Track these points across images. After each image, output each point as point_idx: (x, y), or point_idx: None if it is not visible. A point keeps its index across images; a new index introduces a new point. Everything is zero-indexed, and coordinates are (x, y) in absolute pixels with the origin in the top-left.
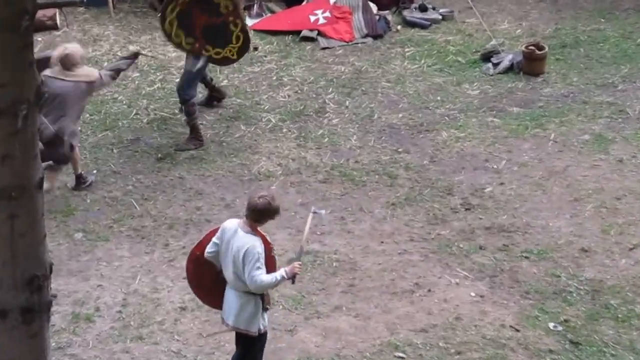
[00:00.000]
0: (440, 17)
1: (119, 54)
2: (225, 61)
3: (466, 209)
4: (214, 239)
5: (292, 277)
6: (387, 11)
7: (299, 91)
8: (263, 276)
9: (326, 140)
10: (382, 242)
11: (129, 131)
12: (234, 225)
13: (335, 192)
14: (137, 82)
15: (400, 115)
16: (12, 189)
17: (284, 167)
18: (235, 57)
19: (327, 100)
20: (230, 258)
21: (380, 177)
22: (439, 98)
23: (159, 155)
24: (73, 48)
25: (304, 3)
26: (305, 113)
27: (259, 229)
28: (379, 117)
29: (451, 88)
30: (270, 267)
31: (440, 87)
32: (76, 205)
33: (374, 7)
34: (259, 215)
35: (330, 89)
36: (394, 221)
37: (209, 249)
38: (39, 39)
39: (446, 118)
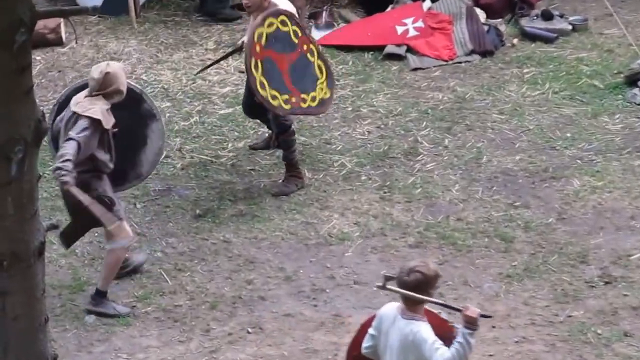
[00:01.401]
0: (570, 27)
1: (144, 77)
2: (324, 104)
3: (606, 283)
4: (370, 331)
5: (480, 317)
6: (499, 20)
7: (383, 126)
8: (450, 350)
9: (419, 191)
10: (494, 327)
11: (156, 180)
12: (392, 312)
13: (431, 261)
14: (167, 114)
15: (518, 157)
16: (3, 257)
17: (362, 226)
18: (328, 94)
19: (419, 138)
20: (395, 353)
21: (491, 240)
22: (568, 135)
23: (197, 211)
24: (116, 67)
25: (388, 9)
26: (390, 155)
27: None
28: (489, 161)
29: (585, 121)
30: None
31: (570, 120)
32: (88, 278)
33: (481, 15)
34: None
35: (424, 123)
36: (510, 299)
37: (365, 343)
38: (38, 57)
39: (578, 161)
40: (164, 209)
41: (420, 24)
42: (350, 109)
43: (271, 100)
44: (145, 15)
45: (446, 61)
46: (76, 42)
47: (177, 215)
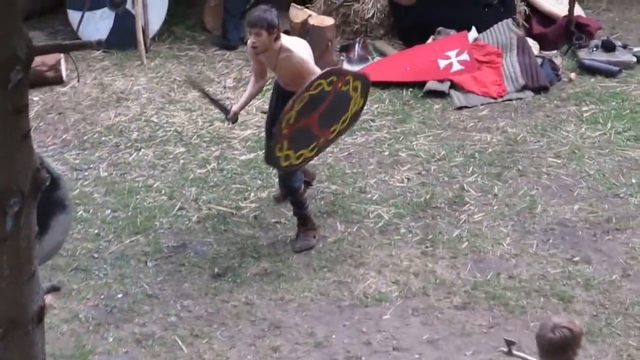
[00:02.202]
0: (634, 59)
1: (154, 119)
2: (354, 119)
3: None
4: None
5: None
6: (554, 52)
7: (424, 172)
8: None
9: (465, 245)
10: None
11: (170, 235)
12: None
13: (479, 324)
14: (181, 161)
15: (576, 206)
16: None
17: (402, 285)
18: (361, 102)
19: (465, 186)
20: None
21: (548, 299)
22: (633, 181)
23: (216, 270)
24: None
25: (429, 41)
26: (433, 205)
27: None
28: (544, 210)
29: None
30: None
31: (635, 164)
32: (93, 346)
33: (534, 46)
34: (561, 353)
35: (471, 169)
36: None
37: None
38: (36, 98)
39: None
40: (179, 268)
41: (465, 56)
42: (387, 153)
43: (295, 161)
44: (155, 49)
45: (495, 98)
46: (78, 81)
47: (194, 275)
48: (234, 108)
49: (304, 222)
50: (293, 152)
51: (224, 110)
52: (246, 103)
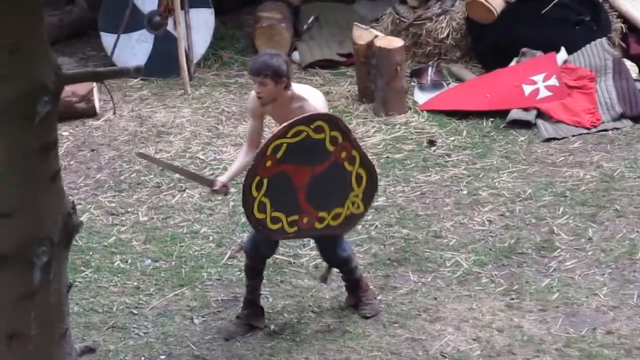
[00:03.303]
0: None
1: (200, 156)
2: (349, 222)
3: None
4: None
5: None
6: None
7: (508, 214)
8: None
9: (556, 296)
10: None
11: (220, 287)
12: None
13: None
14: (231, 203)
15: None
16: None
17: (484, 343)
18: (362, 209)
19: (555, 229)
20: None
21: None
22: None
23: (272, 327)
24: None
25: (512, 63)
26: (518, 251)
27: None
28: None
29: None
30: None
31: None
32: None
33: (632, 69)
34: None
35: (561, 209)
36: None
37: None
38: (66, 133)
39: None
40: (229, 325)
41: (554, 81)
42: (465, 192)
43: (270, 224)
44: (201, 76)
45: (588, 129)
46: (114, 113)
47: (247, 333)
48: (222, 178)
49: (360, 284)
50: (269, 206)
51: (206, 182)
52: (236, 174)
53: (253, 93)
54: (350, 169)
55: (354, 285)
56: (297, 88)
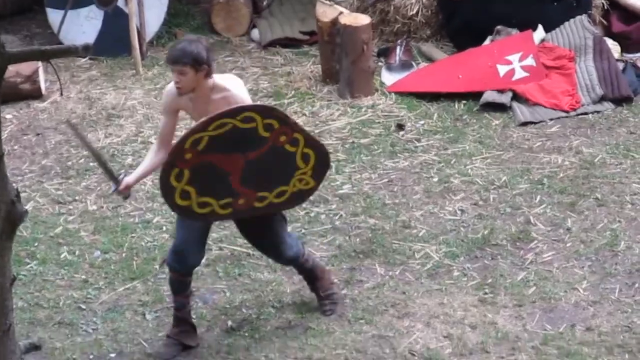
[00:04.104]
0: None
1: (152, 140)
2: (297, 199)
3: None
4: None
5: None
6: (638, 54)
7: (481, 202)
8: None
9: (532, 290)
10: None
11: None
12: None
13: None
14: None
15: None
16: None
17: (456, 340)
18: (312, 184)
19: (532, 219)
20: None
21: (634, 356)
22: None
23: (230, 323)
24: None
25: (486, 42)
26: (492, 242)
27: None
28: (629, 248)
29: None
30: None
31: None
32: None
33: (614, 48)
34: None
35: (538, 198)
36: None
37: None
38: (9, 115)
39: None
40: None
41: (530, 61)
42: (436, 179)
43: (197, 209)
44: (154, 55)
45: (567, 112)
46: (61, 94)
47: (202, 329)
48: (128, 179)
49: (317, 275)
50: (195, 193)
51: (113, 179)
52: (144, 175)
53: (169, 87)
54: (293, 150)
55: (310, 276)
56: (218, 78)
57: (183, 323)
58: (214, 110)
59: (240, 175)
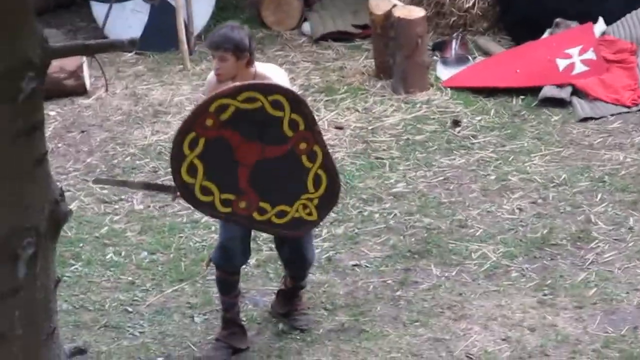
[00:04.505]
0: None
1: None
2: (296, 226)
3: None
4: None
5: None
6: None
7: (540, 201)
8: None
9: (593, 292)
10: None
11: None
12: None
13: None
14: None
15: None
16: None
17: (514, 343)
18: (314, 216)
19: (592, 217)
20: None
21: None
22: None
23: (281, 326)
24: None
25: (545, 35)
26: (552, 242)
27: None
28: None
29: None
30: None
31: None
32: None
33: None
34: None
35: (599, 196)
36: None
37: None
38: (53, 112)
39: None
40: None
41: (591, 55)
42: (493, 177)
43: (198, 193)
44: (202, 50)
45: (629, 107)
46: (106, 90)
47: (252, 332)
48: None
49: (300, 294)
50: (202, 173)
51: (168, 190)
52: None
53: (210, 75)
54: (309, 166)
55: (294, 294)
56: (261, 66)
57: (232, 325)
58: None
59: (250, 171)
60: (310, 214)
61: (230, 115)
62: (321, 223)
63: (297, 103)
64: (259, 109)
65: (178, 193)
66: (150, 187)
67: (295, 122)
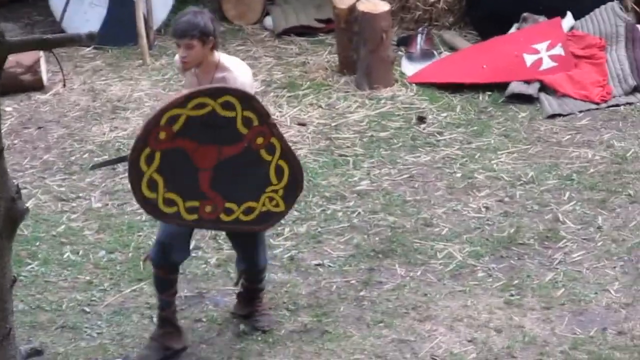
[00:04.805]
0: None
1: None
2: (265, 220)
3: None
4: None
5: None
6: None
7: (507, 199)
8: None
9: (561, 292)
10: None
11: (182, 282)
12: None
13: None
14: None
15: None
16: None
17: (480, 345)
18: (281, 207)
19: (560, 216)
20: None
21: None
22: None
23: (242, 327)
24: None
25: (512, 30)
26: (519, 241)
27: None
28: None
29: None
30: None
31: None
32: None
33: None
34: None
35: (567, 194)
36: None
37: None
38: (9, 108)
39: None
40: (194, 324)
41: (559, 50)
42: (459, 175)
43: (162, 206)
44: (162, 45)
45: (597, 104)
46: (64, 86)
47: (212, 333)
48: None
49: (260, 295)
50: (162, 185)
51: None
52: None
53: (177, 57)
54: (269, 159)
55: (254, 295)
56: (224, 57)
57: (167, 324)
58: None
59: (211, 175)
60: (277, 205)
61: (183, 124)
62: (287, 215)
63: (247, 100)
64: (209, 112)
65: None
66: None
67: (248, 119)
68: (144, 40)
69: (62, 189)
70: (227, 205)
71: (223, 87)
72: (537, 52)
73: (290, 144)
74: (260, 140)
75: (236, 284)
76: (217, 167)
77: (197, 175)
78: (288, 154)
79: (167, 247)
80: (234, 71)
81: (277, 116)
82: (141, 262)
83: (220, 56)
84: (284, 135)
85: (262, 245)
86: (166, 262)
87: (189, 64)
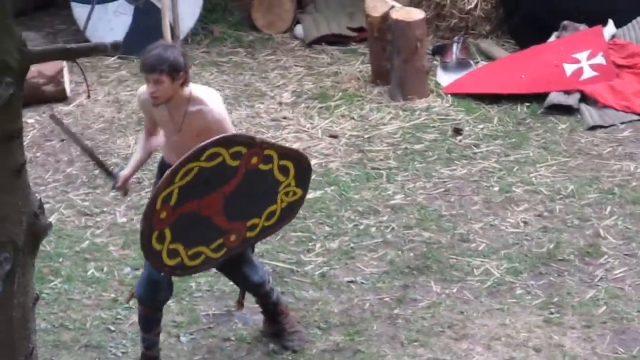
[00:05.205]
0: None
1: None
2: (288, 214)
3: None
4: None
5: None
6: None
7: (546, 214)
8: None
9: (602, 310)
10: None
11: (211, 300)
12: None
13: None
14: None
15: None
16: None
17: None
18: (299, 192)
19: (602, 231)
20: None
21: None
22: None
23: (272, 346)
24: None
25: (551, 38)
26: (558, 257)
27: None
28: None
29: None
30: None
31: None
32: None
33: None
34: None
35: (609, 209)
36: None
37: None
38: (31, 120)
39: None
40: (222, 344)
41: (600, 59)
42: (496, 188)
43: (188, 263)
44: (189, 54)
45: None
46: (88, 96)
47: (241, 352)
48: (124, 172)
49: (279, 309)
50: (183, 248)
51: (109, 175)
52: (139, 165)
53: (142, 89)
54: (269, 167)
55: (272, 310)
56: (196, 89)
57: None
58: (189, 123)
59: (224, 212)
60: (294, 194)
61: (177, 197)
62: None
63: (230, 142)
64: (199, 172)
65: (118, 184)
66: (94, 158)
67: (236, 153)
68: None
69: (86, 203)
70: (249, 223)
71: (202, 146)
72: (577, 61)
73: (284, 143)
74: (254, 159)
75: (238, 303)
76: (226, 205)
77: (212, 222)
78: (285, 153)
79: (154, 284)
80: (208, 104)
81: (308, 128)
82: (124, 301)
83: (192, 89)
84: (288, 143)
85: (246, 263)
86: (153, 301)
87: (159, 99)
